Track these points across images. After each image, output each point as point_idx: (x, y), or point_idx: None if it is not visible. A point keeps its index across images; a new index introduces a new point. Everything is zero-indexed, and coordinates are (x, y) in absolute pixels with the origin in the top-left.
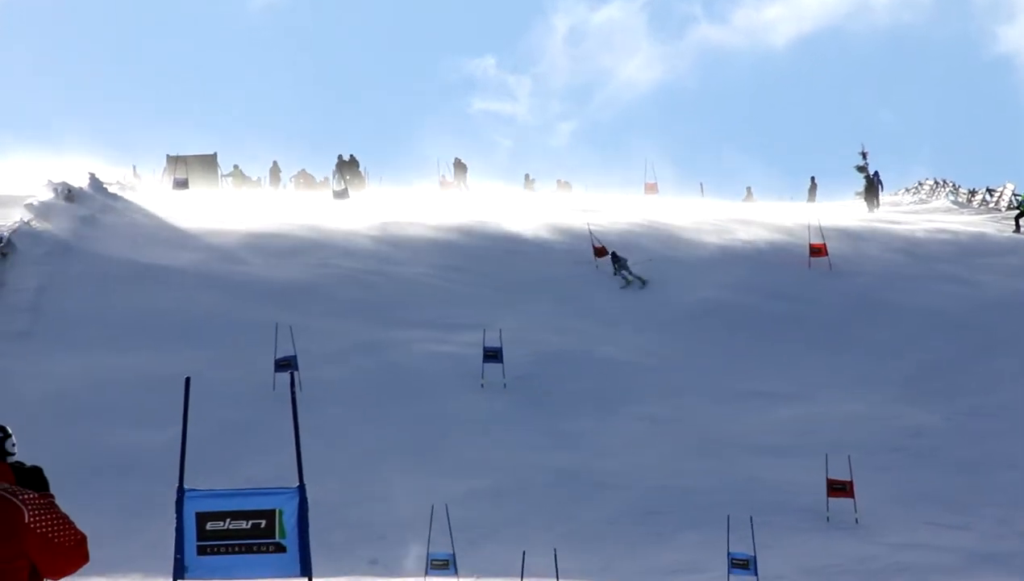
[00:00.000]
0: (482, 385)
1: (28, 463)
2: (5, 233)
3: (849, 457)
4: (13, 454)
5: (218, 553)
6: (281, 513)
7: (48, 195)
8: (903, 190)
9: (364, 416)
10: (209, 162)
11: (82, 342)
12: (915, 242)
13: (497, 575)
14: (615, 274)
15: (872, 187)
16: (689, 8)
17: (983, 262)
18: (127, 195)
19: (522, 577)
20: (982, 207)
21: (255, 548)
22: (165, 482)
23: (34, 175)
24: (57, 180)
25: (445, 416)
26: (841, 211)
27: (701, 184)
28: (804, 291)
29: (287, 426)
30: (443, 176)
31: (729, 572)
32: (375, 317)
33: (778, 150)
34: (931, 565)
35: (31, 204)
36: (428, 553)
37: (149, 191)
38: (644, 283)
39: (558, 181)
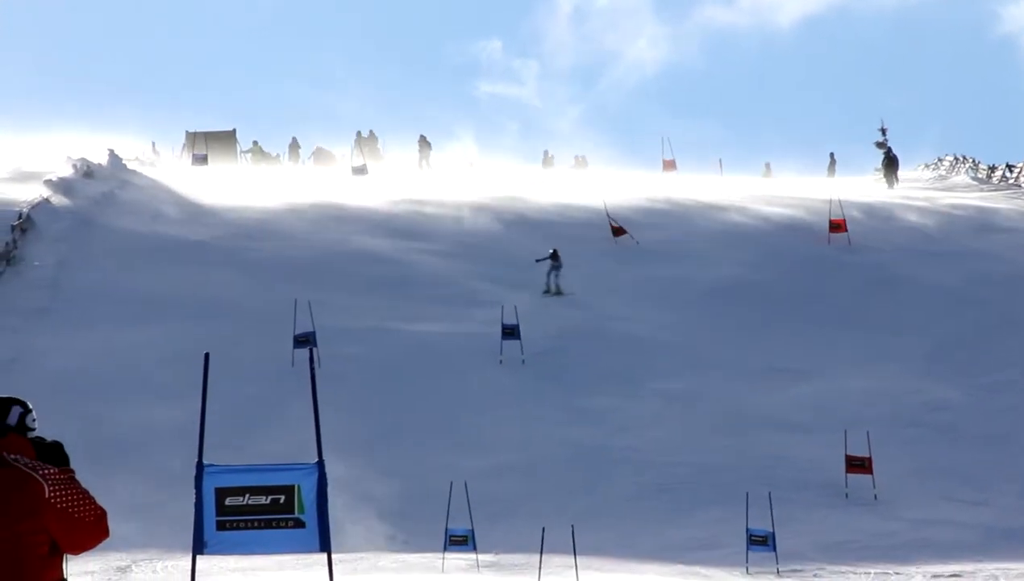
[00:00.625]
0: (500, 361)
1: (48, 438)
2: (24, 209)
3: (868, 433)
4: (33, 429)
5: (237, 528)
6: (300, 489)
7: (67, 171)
8: (922, 166)
9: (383, 392)
10: (228, 138)
11: (101, 318)
12: (935, 218)
13: (516, 551)
14: (549, 272)
15: (891, 164)
16: None
17: (1003, 238)
18: (146, 171)
19: (541, 553)
20: (1002, 183)
21: (274, 523)
22: (184, 458)
23: (53, 151)
24: (76, 156)
25: (464, 392)
26: (861, 187)
27: (720, 160)
28: (824, 267)
29: (306, 402)
30: (466, 156)
31: (748, 548)
32: (393, 293)
33: (790, 128)
34: (950, 541)
35: (50, 180)
36: (447, 529)
37: (168, 167)
38: (560, 294)
39: (576, 157)
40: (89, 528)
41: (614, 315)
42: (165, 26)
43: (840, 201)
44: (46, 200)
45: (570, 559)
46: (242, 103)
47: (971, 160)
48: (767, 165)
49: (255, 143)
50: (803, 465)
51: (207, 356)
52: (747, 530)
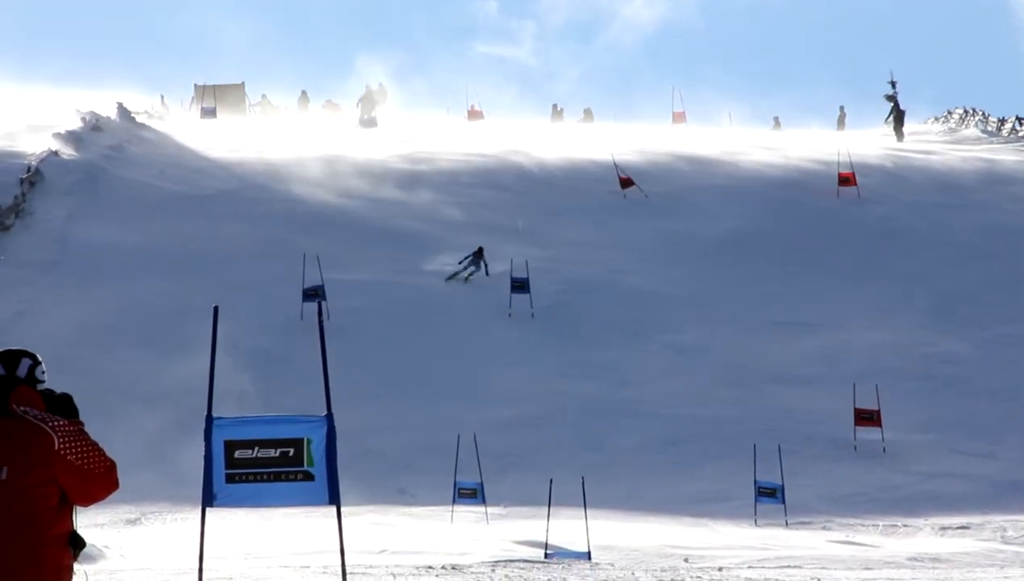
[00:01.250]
0: (509, 315)
1: (58, 390)
2: (33, 162)
3: (877, 386)
4: (43, 381)
5: (246, 481)
6: (309, 442)
7: (76, 124)
8: (932, 119)
9: (392, 345)
10: (237, 91)
11: (110, 271)
12: (944, 171)
13: (524, 503)
14: (467, 265)
15: (900, 116)
16: None
17: (1013, 191)
18: (155, 124)
19: (549, 505)
20: (1011, 136)
21: (283, 476)
22: (194, 410)
23: (62, 104)
24: (85, 109)
25: (473, 346)
26: (871, 140)
27: (729, 113)
28: (833, 220)
29: (315, 355)
30: (472, 105)
31: (756, 500)
32: (402, 246)
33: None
34: (958, 493)
35: (59, 133)
36: (455, 482)
37: (177, 120)
38: (464, 281)
39: (584, 110)
40: (99, 479)
41: (622, 269)
42: None
43: (850, 154)
44: (55, 153)
45: (579, 511)
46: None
47: (981, 112)
48: (776, 119)
49: (264, 96)
50: (812, 418)
51: (216, 309)
52: (755, 482)
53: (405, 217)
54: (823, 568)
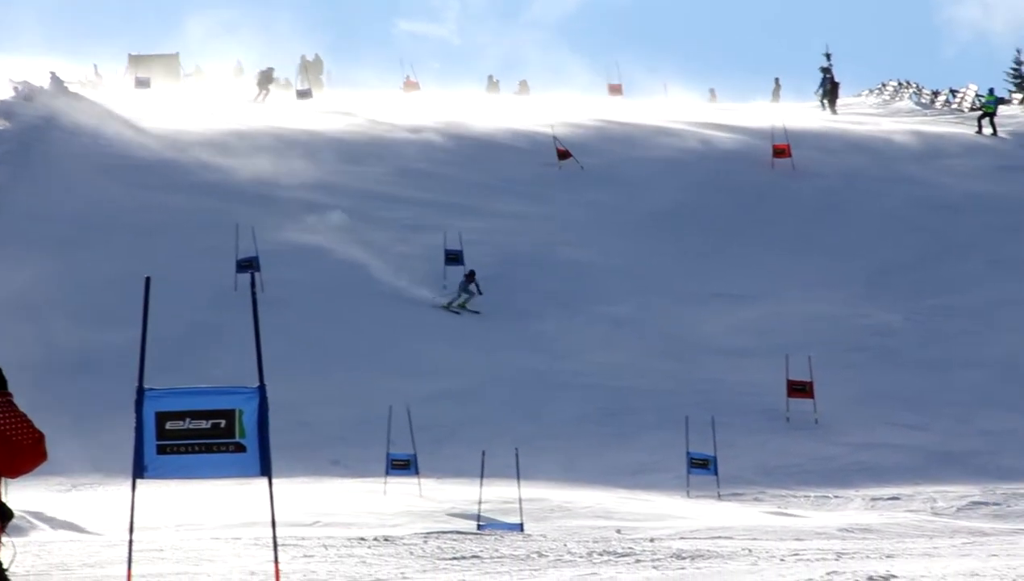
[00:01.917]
0: (444, 286)
1: None
2: None
3: (810, 358)
4: None
5: (178, 452)
6: (241, 413)
7: (8, 94)
8: (866, 92)
9: (325, 317)
10: (171, 62)
11: (42, 241)
12: (878, 143)
13: (458, 475)
14: (461, 294)
15: (833, 89)
16: None
17: (945, 164)
18: (88, 94)
19: (482, 477)
20: (944, 108)
21: (215, 447)
22: (125, 382)
23: None
24: (18, 79)
25: (406, 318)
26: (805, 112)
27: (665, 85)
28: (767, 192)
29: (248, 327)
30: (408, 77)
31: (689, 472)
32: (337, 218)
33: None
34: (890, 465)
35: None
36: (388, 453)
37: (111, 90)
38: (460, 310)
39: (520, 82)
40: (27, 451)
41: (559, 241)
42: None
43: (785, 126)
44: None
45: (514, 483)
46: (184, 27)
47: (914, 85)
48: (712, 91)
49: (198, 67)
50: (745, 389)
51: (148, 280)
52: (688, 454)
53: (342, 189)
54: (754, 539)
